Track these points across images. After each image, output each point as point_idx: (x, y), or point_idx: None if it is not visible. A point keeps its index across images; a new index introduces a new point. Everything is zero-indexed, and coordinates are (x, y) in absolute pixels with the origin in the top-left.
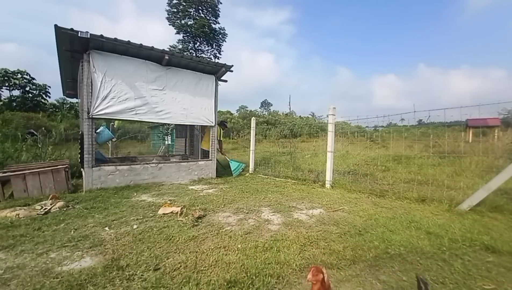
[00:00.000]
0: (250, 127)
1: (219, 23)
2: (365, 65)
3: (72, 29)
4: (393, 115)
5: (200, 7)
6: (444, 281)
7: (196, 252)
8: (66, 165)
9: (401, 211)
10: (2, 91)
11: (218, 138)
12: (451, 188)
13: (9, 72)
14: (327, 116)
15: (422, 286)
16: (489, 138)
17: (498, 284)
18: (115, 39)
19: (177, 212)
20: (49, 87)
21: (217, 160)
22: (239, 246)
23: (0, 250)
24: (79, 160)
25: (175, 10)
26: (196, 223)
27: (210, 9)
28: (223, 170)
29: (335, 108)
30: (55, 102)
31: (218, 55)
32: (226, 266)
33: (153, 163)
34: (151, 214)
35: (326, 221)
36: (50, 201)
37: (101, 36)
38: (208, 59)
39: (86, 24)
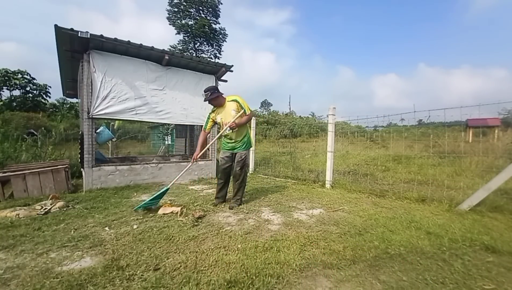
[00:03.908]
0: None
1: (219, 23)
2: (367, 64)
3: (72, 29)
4: (393, 115)
5: (200, 7)
6: (444, 281)
7: (196, 252)
8: (66, 165)
9: (401, 211)
10: (2, 91)
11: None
12: (451, 188)
13: (9, 72)
14: (327, 116)
15: None
16: (489, 138)
17: (498, 284)
18: (115, 39)
19: (177, 212)
20: (50, 87)
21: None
22: (239, 246)
23: (0, 250)
24: (79, 160)
25: (176, 10)
26: (196, 223)
27: (210, 9)
28: None
29: (335, 108)
30: (55, 102)
31: (218, 55)
32: (226, 266)
33: (153, 163)
34: (151, 214)
35: (326, 221)
36: (50, 201)
37: (101, 36)
38: (208, 59)
39: (86, 24)
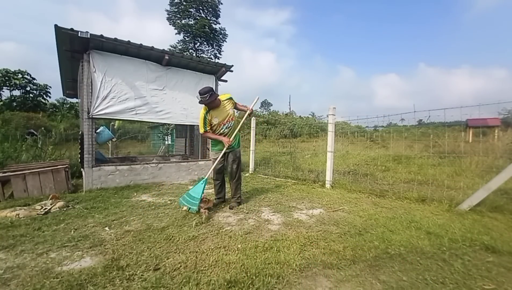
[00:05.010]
0: (250, 127)
1: (219, 23)
2: (367, 64)
3: (72, 29)
4: (393, 115)
5: (200, 7)
6: (444, 281)
7: (196, 252)
8: (66, 165)
9: (401, 211)
10: (2, 91)
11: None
12: (451, 188)
13: (9, 72)
14: (327, 116)
15: None
16: (489, 138)
17: (498, 284)
18: (115, 39)
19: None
20: (50, 87)
21: None
22: (239, 246)
23: (0, 250)
24: (79, 160)
25: (176, 10)
26: (198, 223)
27: (210, 9)
28: None
29: (335, 108)
30: (55, 102)
31: (218, 55)
32: (226, 266)
33: (153, 163)
34: (151, 214)
35: (326, 221)
36: (50, 201)
37: (101, 36)
38: (208, 59)
39: (86, 24)
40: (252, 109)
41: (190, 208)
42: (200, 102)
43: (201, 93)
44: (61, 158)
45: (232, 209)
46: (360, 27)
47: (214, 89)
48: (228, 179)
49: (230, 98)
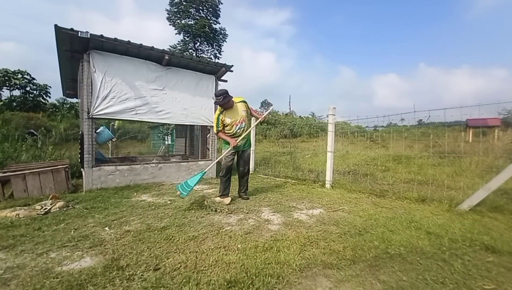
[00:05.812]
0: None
1: (219, 23)
2: (367, 64)
3: (72, 29)
4: (393, 115)
5: (200, 7)
6: (444, 281)
7: (196, 252)
8: (66, 165)
9: (401, 211)
10: (2, 91)
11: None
12: (451, 188)
13: (9, 72)
14: (327, 116)
15: None
16: (489, 138)
17: (498, 284)
18: (115, 39)
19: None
20: (50, 87)
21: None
22: (239, 246)
23: (0, 250)
24: (79, 160)
25: (176, 10)
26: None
27: (210, 9)
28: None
29: (335, 108)
30: (55, 102)
31: (218, 55)
32: (226, 266)
33: (153, 163)
34: (151, 214)
35: (326, 221)
36: (50, 201)
37: (101, 36)
38: (208, 59)
39: (86, 24)
40: (265, 117)
41: (181, 193)
42: (215, 103)
43: (216, 95)
44: (61, 158)
45: (248, 199)
46: (360, 27)
47: (215, 88)
48: (238, 177)
49: (244, 101)
